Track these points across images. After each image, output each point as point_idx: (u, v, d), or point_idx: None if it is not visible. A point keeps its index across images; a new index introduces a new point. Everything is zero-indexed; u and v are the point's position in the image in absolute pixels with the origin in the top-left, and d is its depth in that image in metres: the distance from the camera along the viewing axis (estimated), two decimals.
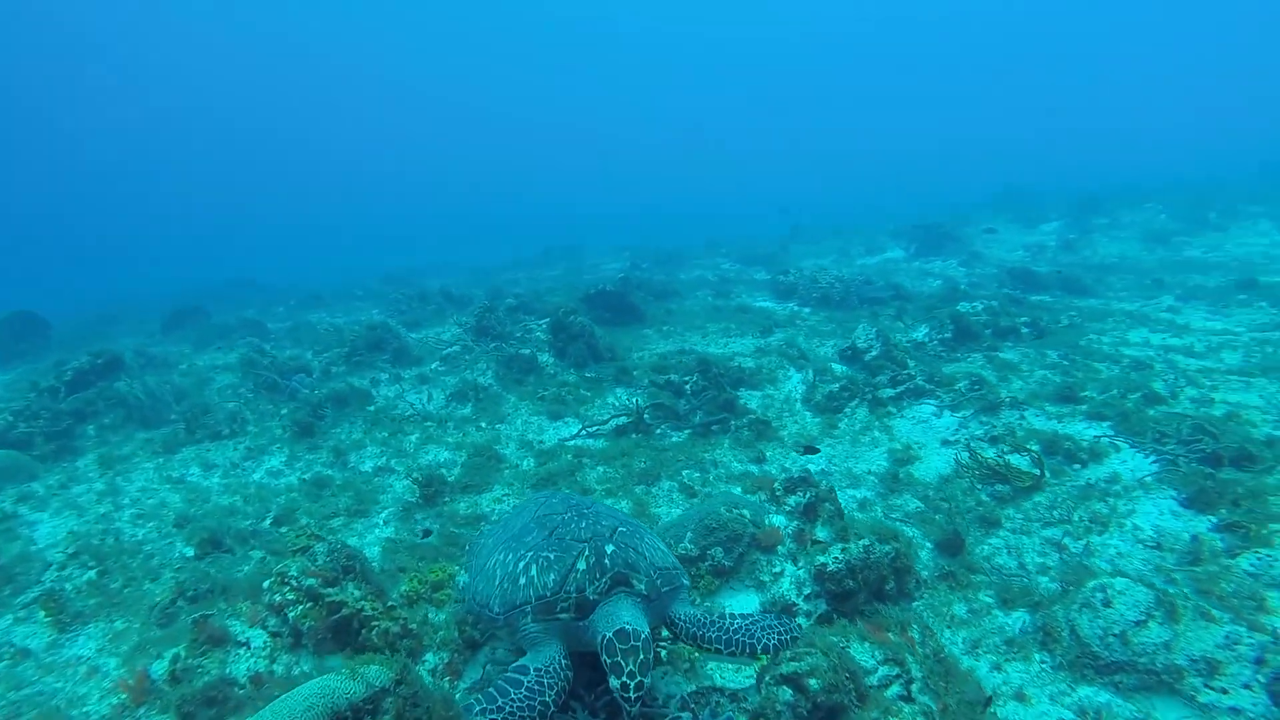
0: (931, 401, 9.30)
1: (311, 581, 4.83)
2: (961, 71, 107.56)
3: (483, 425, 10.15)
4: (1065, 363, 10.29)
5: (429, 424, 10.28)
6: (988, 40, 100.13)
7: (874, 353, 10.81)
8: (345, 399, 11.05)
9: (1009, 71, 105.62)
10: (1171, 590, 4.95)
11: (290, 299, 26.64)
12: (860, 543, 5.22)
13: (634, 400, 10.20)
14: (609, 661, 3.77)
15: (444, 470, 8.60)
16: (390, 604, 4.97)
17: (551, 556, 4.27)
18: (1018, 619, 5.27)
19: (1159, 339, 11.60)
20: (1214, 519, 6.08)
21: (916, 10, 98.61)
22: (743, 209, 50.49)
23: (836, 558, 5.14)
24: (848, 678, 3.98)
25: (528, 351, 12.56)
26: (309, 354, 14.87)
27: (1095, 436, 7.68)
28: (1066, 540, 6.15)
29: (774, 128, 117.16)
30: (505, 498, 7.90)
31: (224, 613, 5.35)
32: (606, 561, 4.18)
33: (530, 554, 4.36)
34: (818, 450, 8.23)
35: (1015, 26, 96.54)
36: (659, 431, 9.61)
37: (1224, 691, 4.34)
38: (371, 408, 11.03)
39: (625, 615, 3.96)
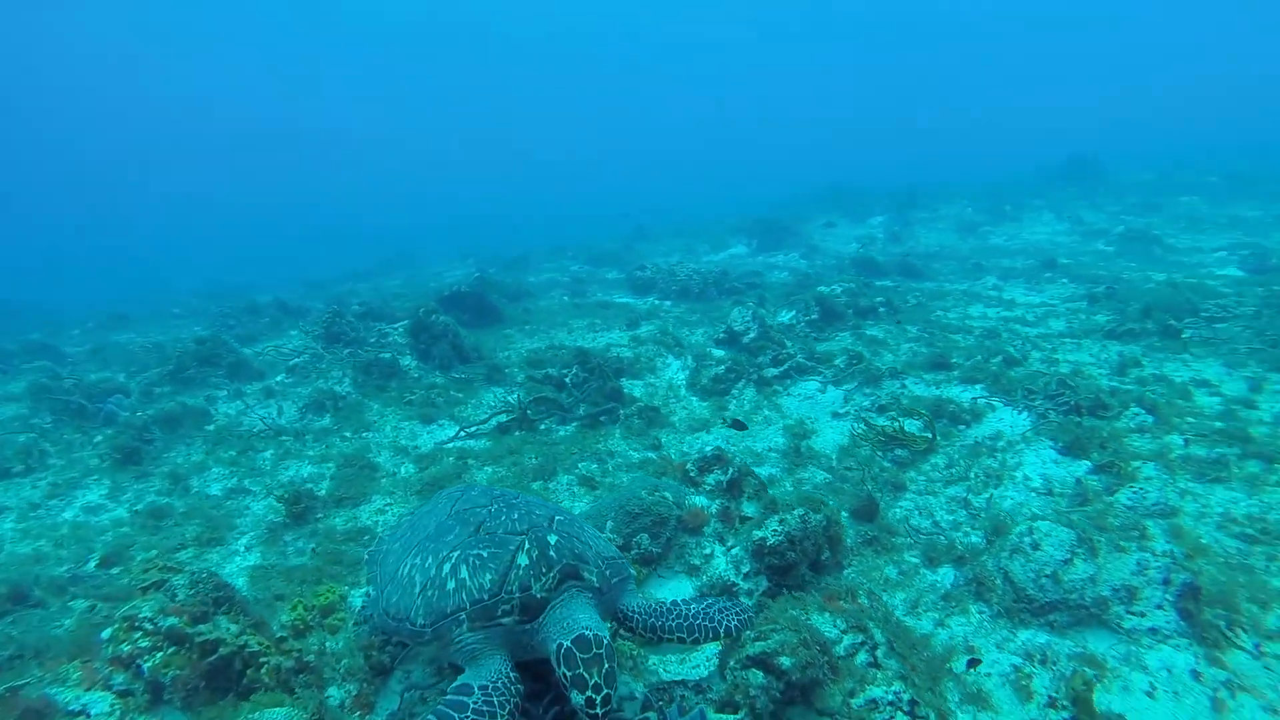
0: (815, 378, 9.46)
1: (173, 621, 3.90)
2: (780, 73, 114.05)
3: (347, 435, 9.11)
4: (926, 335, 10.89)
5: (284, 438, 9.06)
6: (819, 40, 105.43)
7: (752, 334, 10.90)
8: (177, 419, 9.51)
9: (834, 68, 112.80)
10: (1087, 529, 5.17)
11: (87, 320, 23.01)
12: (796, 513, 5.03)
13: (514, 396, 9.60)
14: (569, 674, 3.26)
15: (311, 485, 7.56)
16: (279, 636, 4.13)
17: (485, 554, 3.70)
18: (945, 574, 5.32)
19: (995, 312, 12.64)
20: (1089, 462, 6.54)
21: (730, 10, 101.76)
22: (580, 213, 49.95)
23: (776, 530, 4.91)
24: (819, 651, 3.75)
25: (388, 356, 11.51)
26: (121, 376, 12.81)
27: (973, 399, 8.09)
28: (970, 496, 6.36)
29: (601, 132, 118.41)
30: (389, 507, 7.05)
31: (42, 680, 4.25)
32: (552, 554, 3.68)
33: (457, 554, 3.75)
34: (745, 426, 8.09)
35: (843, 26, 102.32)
36: (544, 426, 9.09)
37: (1142, 615, 4.56)
38: (211, 426, 9.57)
39: (583, 618, 3.48)
